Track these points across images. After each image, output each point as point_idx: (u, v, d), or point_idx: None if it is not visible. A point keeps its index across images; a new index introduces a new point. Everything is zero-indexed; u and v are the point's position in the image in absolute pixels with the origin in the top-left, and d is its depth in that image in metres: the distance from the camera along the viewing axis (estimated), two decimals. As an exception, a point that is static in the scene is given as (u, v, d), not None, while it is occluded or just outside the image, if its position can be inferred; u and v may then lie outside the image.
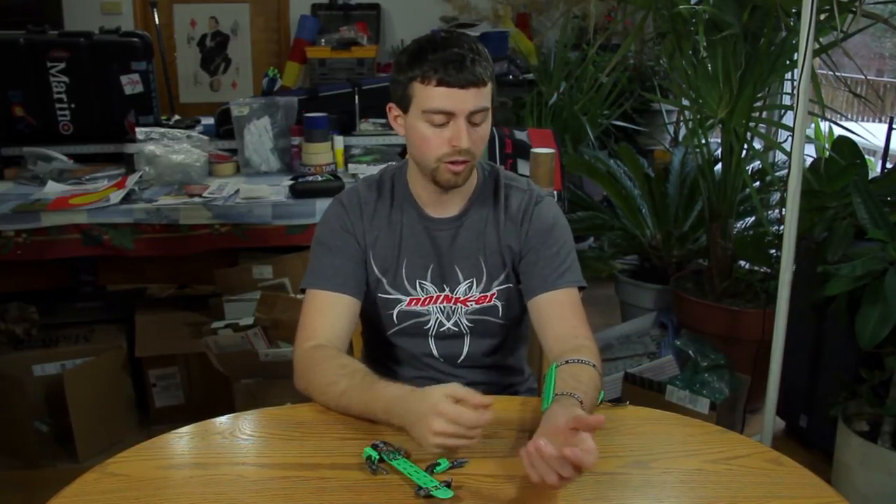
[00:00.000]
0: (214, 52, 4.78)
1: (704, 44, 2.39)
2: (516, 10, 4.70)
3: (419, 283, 1.39)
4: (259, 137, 2.77)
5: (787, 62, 2.58)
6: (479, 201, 1.41)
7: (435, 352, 1.43)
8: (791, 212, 2.04)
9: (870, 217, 2.08)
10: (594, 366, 1.24)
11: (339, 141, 2.81)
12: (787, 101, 2.86)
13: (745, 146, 2.68)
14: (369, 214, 1.39)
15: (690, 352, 2.51)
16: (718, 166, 2.82)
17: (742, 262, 2.92)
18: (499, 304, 1.41)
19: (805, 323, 2.38)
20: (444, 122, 1.27)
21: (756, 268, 2.89)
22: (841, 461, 2.17)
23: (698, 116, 2.74)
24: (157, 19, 3.82)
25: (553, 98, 3.78)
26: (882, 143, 3.10)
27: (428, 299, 1.40)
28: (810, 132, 3.39)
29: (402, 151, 2.69)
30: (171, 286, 3.18)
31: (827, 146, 2.68)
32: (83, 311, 2.77)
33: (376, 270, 1.39)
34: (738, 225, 3.04)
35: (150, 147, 2.64)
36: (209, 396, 2.59)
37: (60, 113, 2.80)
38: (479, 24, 4.53)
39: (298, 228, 2.41)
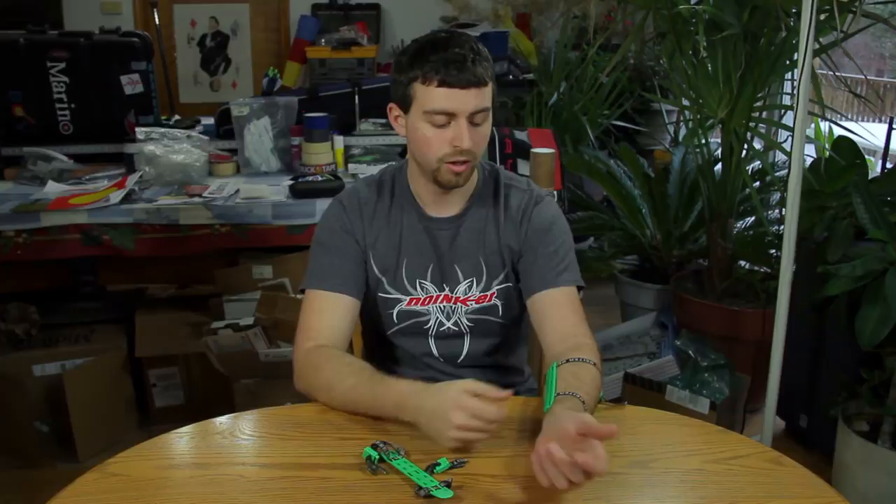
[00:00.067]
0: (214, 52, 4.78)
1: (704, 44, 2.38)
2: (516, 10, 4.70)
3: (419, 282, 1.39)
4: (259, 137, 2.77)
5: (787, 62, 2.58)
6: (479, 201, 1.41)
7: (435, 351, 1.43)
8: (791, 212, 2.04)
9: (870, 217, 2.08)
10: (595, 364, 1.24)
11: (339, 141, 2.81)
12: (787, 101, 2.86)
13: (745, 146, 2.68)
14: (369, 214, 1.39)
15: (690, 352, 2.51)
16: (718, 166, 2.82)
17: (742, 262, 2.92)
18: (499, 303, 1.41)
19: (805, 323, 2.38)
20: (445, 123, 1.27)
21: (756, 268, 2.89)
22: (841, 461, 2.17)
23: (698, 116, 2.74)
24: (157, 19, 3.83)
25: (553, 98, 3.77)
26: (882, 143, 3.10)
27: (428, 299, 1.40)
28: (810, 132, 3.39)
29: (403, 151, 2.69)
30: (171, 286, 3.18)
31: (827, 146, 2.68)
32: (83, 311, 2.76)
33: (376, 270, 1.39)
34: (738, 225, 3.03)
35: (150, 147, 2.64)
36: (209, 396, 2.59)
37: (60, 113, 2.80)
38: (479, 24, 4.53)
39: (298, 228, 2.41)
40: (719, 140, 2.83)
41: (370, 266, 1.39)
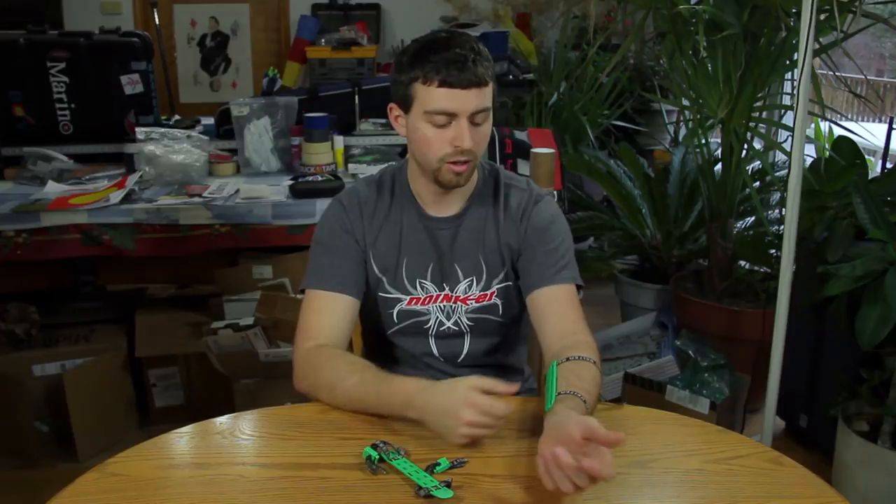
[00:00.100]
0: (214, 52, 4.78)
1: (704, 44, 2.38)
2: (516, 10, 4.70)
3: (419, 282, 1.40)
4: (259, 137, 2.77)
5: (787, 62, 2.58)
6: (478, 200, 1.41)
7: (435, 351, 1.43)
8: (791, 212, 2.04)
9: (870, 217, 2.08)
10: (595, 363, 1.24)
11: (339, 141, 2.81)
12: (787, 101, 2.86)
13: (745, 146, 2.68)
14: (369, 214, 1.40)
15: (690, 352, 2.51)
16: (718, 166, 2.82)
17: (742, 262, 2.92)
18: (498, 302, 1.41)
19: (805, 323, 2.38)
20: (446, 123, 1.27)
21: (756, 268, 2.89)
22: (841, 461, 2.17)
23: (698, 116, 2.74)
24: (157, 19, 3.83)
25: (553, 98, 3.77)
26: (882, 143, 3.10)
27: (428, 298, 1.40)
28: (810, 132, 3.39)
29: (403, 151, 2.69)
30: (171, 286, 3.18)
31: (827, 146, 2.68)
32: (83, 311, 2.77)
33: (376, 270, 1.39)
34: (738, 225, 3.03)
35: (150, 147, 2.64)
36: (209, 396, 2.59)
37: (60, 113, 2.80)
38: (479, 24, 4.53)
39: (298, 228, 2.41)
40: (719, 140, 2.83)
41: (370, 266, 1.39)
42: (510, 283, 1.41)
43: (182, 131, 2.80)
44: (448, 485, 1.02)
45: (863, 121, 4.69)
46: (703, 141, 2.78)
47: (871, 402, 2.12)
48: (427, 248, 1.40)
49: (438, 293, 1.40)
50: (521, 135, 2.77)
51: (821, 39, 2.41)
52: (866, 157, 2.52)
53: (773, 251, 2.74)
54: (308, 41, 4.18)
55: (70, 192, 2.50)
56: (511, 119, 3.91)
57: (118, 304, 2.87)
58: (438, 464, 1.07)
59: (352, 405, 1.23)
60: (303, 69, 4.23)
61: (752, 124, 2.64)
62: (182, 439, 1.18)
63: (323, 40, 4.00)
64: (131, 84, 2.85)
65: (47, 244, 2.33)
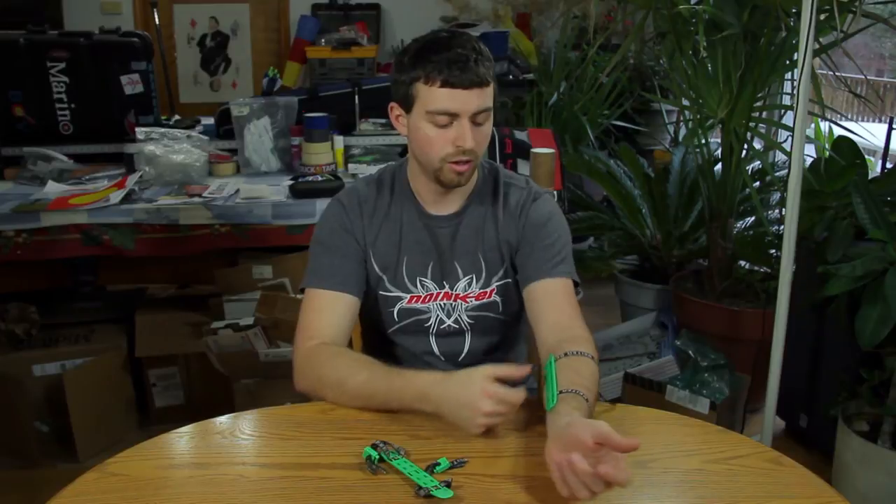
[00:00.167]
0: (214, 52, 4.78)
1: (704, 44, 2.38)
2: (516, 10, 4.70)
3: (419, 280, 1.40)
4: (259, 137, 2.77)
5: (787, 62, 2.58)
6: (478, 199, 1.42)
7: (436, 349, 1.43)
8: (791, 212, 2.04)
9: (870, 217, 2.08)
10: (593, 358, 1.23)
11: (339, 141, 2.81)
12: (787, 101, 2.86)
13: (745, 146, 2.68)
14: (369, 213, 1.40)
15: (690, 352, 2.51)
16: (718, 166, 2.82)
17: (742, 262, 2.92)
18: (498, 299, 1.41)
19: (805, 323, 2.38)
20: (447, 123, 1.28)
21: (756, 268, 2.89)
22: (841, 461, 2.17)
23: (698, 116, 2.74)
24: (157, 19, 3.83)
25: (553, 98, 3.77)
26: (882, 143, 3.10)
27: (428, 296, 1.40)
28: (810, 132, 3.39)
29: (403, 151, 2.69)
30: (171, 286, 3.18)
31: (827, 146, 2.68)
32: (83, 311, 2.77)
33: (377, 268, 1.40)
34: (738, 225, 3.03)
35: (150, 147, 2.64)
36: (209, 396, 2.59)
37: (60, 113, 2.80)
38: (479, 24, 4.53)
39: (298, 228, 2.41)
40: (719, 140, 2.83)
41: (370, 264, 1.39)
42: (509, 280, 1.41)
43: (182, 131, 2.80)
44: (448, 485, 1.02)
45: (863, 121, 4.69)
46: (703, 141, 2.78)
47: (871, 402, 2.12)
48: (427, 246, 1.40)
49: (438, 291, 1.40)
50: (521, 135, 2.77)
51: (821, 39, 2.41)
52: (866, 157, 2.53)
53: (773, 251, 2.74)
54: (308, 41, 4.18)
55: (70, 192, 2.50)
56: (511, 119, 3.91)
57: (118, 304, 2.87)
58: (438, 464, 1.07)
59: (360, 401, 1.22)
60: (303, 69, 4.23)
61: (752, 124, 2.64)
62: (182, 439, 1.18)
63: (323, 40, 4.00)
64: (131, 84, 2.85)
65: (47, 244, 2.33)
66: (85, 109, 2.81)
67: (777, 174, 3.02)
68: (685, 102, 2.93)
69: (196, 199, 2.43)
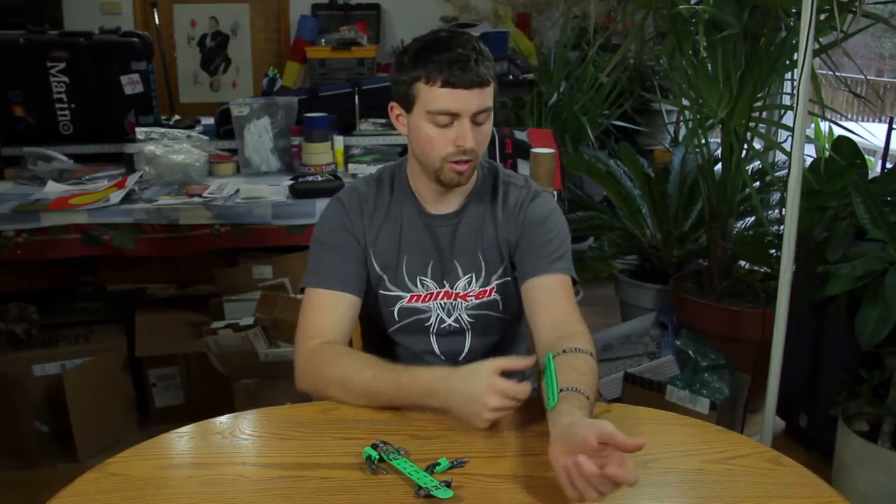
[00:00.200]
0: (214, 52, 4.78)
1: (704, 44, 2.38)
2: (516, 10, 4.70)
3: (419, 279, 1.40)
4: (259, 137, 2.77)
5: (787, 62, 2.58)
6: (477, 197, 1.42)
7: (436, 349, 1.43)
8: (791, 212, 2.04)
9: (870, 217, 2.08)
10: (591, 354, 1.22)
11: (339, 141, 2.81)
12: (787, 101, 2.86)
13: (745, 146, 2.68)
14: (369, 212, 1.40)
15: (690, 352, 2.51)
16: (718, 166, 2.82)
17: (742, 262, 2.92)
18: (498, 298, 1.41)
19: (805, 323, 2.38)
20: (448, 123, 1.28)
21: (756, 268, 2.89)
22: (841, 461, 2.17)
23: (698, 116, 2.74)
24: (157, 19, 3.83)
25: (553, 98, 3.77)
26: (882, 143, 3.10)
27: (428, 296, 1.40)
28: (810, 132, 3.39)
29: (402, 151, 2.69)
30: (171, 286, 3.18)
31: (827, 146, 2.68)
32: (83, 311, 2.77)
33: (377, 267, 1.40)
34: (738, 225, 3.03)
35: (150, 147, 2.64)
36: (209, 396, 2.59)
37: (60, 113, 2.80)
38: (479, 24, 4.53)
39: (298, 228, 2.41)
40: (719, 140, 2.83)
41: (371, 264, 1.40)
42: (509, 278, 1.41)
43: (182, 131, 2.80)
44: (448, 485, 1.02)
45: (863, 121, 4.69)
46: (703, 141, 2.78)
47: (871, 402, 2.12)
48: (427, 245, 1.40)
49: (439, 290, 1.40)
50: (521, 135, 2.77)
51: (821, 39, 2.41)
52: (866, 157, 2.53)
53: (773, 251, 2.74)
54: (308, 41, 4.18)
55: (70, 192, 2.50)
56: (511, 119, 3.91)
57: (118, 304, 2.87)
58: (438, 464, 1.07)
59: (366, 399, 1.22)
60: (303, 69, 4.23)
61: (752, 124, 2.64)
62: (182, 439, 1.18)
63: (323, 40, 4.00)
64: (131, 84, 2.85)
65: (47, 244, 2.33)
66: (85, 109, 2.81)
67: (777, 174, 3.02)
68: (685, 102, 2.93)
69: (196, 199, 2.43)
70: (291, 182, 2.53)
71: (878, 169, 3.14)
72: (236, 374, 2.44)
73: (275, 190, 2.54)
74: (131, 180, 2.51)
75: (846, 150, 2.39)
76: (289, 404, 1.32)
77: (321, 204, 2.35)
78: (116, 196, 2.39)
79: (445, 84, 1.25)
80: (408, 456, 1.10)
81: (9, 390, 2.40)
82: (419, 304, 1.40)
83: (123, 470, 1.08)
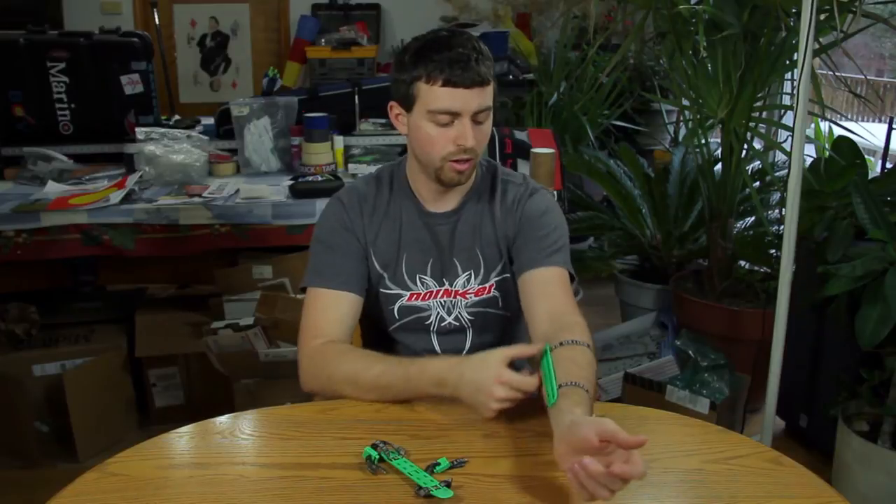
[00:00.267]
0: (214, 52, 4.78)
1: (704, 44, 2.38)
2: (516, 10, 4.70)
3: (419, 277, 1.40)
4: (259, 137, 2.77)
5: (787, 62, 2.58)
6: (475, 195, 1.42)
7: (437, 347, 1.43)
8: (791, 212, 2.04)
9: (870, 217, 2.08)
10: (588, 346, 1.21)
11: (339, 141, 2.81)
12: (787, 101, 2.86)
13: (745, 146, 2.68)
14: (369, 211, 1.40)
15: (690, 352, 2.51)
16: (718, 166, 2.82)
17: (742, 262, 2.92)
18: (498, 294, 1.42)
19: (805, 323, 2.38)
20: (448, 122, 1.28)
21: (756, 268, 2.89)
22: (841, 461, 2.17)
23: (698, 116, 2.74)
24: (157, 19, 3.83)
25: (553, 98, 3.77)
26: (882, 143, 3.10)
27: (428, 294, 1.40)
28: (810, 132, 3.39)
29: (402, 151, 2.68)
30: (171, 286, 3.18)
31: (827, 146, 2.68)
32: (83, 311, 2.77)
33: (377, 266, 1.40)
34: (738, 225, 3.03)
35: (150, 147, 2.64)
36: (209, 396, 2.59)
37: (60, 113, 2.80)
38: (479, 24, 4.53)
39: (298, 228, 2.41)
40: (719, 140, 2.83)
41: (371, 262, 1.40)
42: (508, 275, 1.41)
43: (182, 131, 2.80)
44: (448, 485, 1.02)
45: (863, 121, 4.69)
46: (703, 141, 2.78)
47: (871, 402, 2.12)
48: (427, 243, 1.40)
49: (438, 288, 1.40)
50: (521, 135, 2.77)
51: (821, 39, 2.41)
52: (866, 157, 2.52)
53: (773, 251, 2.74)
54: (308, 41, 4.18)
55: (70, 192, 2.50)
56: (511, 119, 3.91)
57: (118, 304, 2.87)
58: (438, 464, 1.07)
59: (376, 393, 1.23)
60: (303, 69, 4.23)
61: (752, 124, 2.64)
62: (182, 439, 1.18)
63: (323, 40, 4.00)
64: (131, 84, 2.85)
65: (47, 244, 2.33)
66: (85, 109, 2.81)
67: (777, 174, 3.02)
68: (685, 102, 2.93)
69: (196, 199, 2.43)
70: (291, 182, 2.53)
71: (878, 169, 3.14)
72: (236, 374, 2.44)
73: (275, 190, 2.54)
74: (131, 180, 2.51)
75: (846, 150, 2.39)
76: (289, 404, 1.33)
77: (321, 204, 2.34)
78: (116, 196, 2.39)
79: (446, 83, 1.25)
80: (408, 456, 1.10)
81: (9, 390, 2.40)
82: (419, 303, 1.41)
83: (123, 470, 1.08)
